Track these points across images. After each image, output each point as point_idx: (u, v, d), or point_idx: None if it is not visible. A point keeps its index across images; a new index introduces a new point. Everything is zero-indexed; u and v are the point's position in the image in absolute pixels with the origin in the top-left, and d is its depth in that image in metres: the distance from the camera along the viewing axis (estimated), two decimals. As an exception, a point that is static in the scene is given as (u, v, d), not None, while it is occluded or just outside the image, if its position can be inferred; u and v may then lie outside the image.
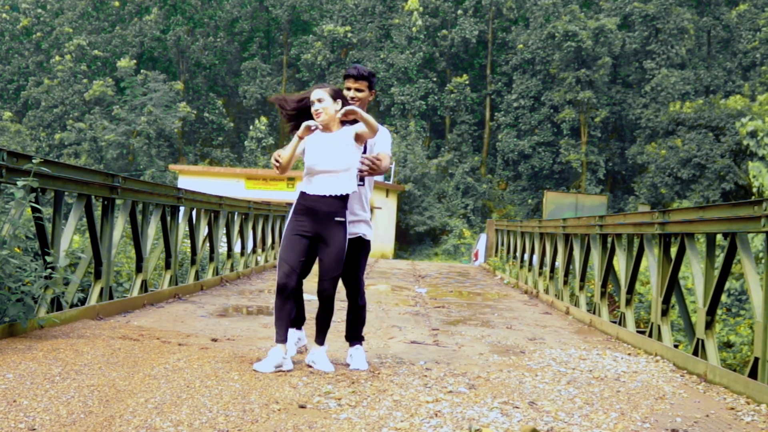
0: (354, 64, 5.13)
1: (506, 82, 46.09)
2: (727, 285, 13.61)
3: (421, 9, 45.88)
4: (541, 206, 36.94)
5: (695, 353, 5.59)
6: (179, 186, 16.92)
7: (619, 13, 44.59)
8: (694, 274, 5.93)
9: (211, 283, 10.07)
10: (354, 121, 4.65)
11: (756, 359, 4.68)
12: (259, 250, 13.97)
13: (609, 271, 8.17)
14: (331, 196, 4.57)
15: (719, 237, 5.76)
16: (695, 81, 42.69)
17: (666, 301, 6.42)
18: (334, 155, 4.60)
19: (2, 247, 4.99)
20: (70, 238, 6.30)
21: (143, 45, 49.67)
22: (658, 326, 6.43)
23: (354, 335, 5.03)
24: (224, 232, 11.53)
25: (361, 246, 4.96)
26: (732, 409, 4.32)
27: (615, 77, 44.75)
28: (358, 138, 4.65)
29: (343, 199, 4.63)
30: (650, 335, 6.53)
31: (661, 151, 38.63)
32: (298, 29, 50.63)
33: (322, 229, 4.60)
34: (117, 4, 50.89)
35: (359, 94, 4.87)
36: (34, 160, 5.21)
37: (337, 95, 4.65)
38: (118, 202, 7.12)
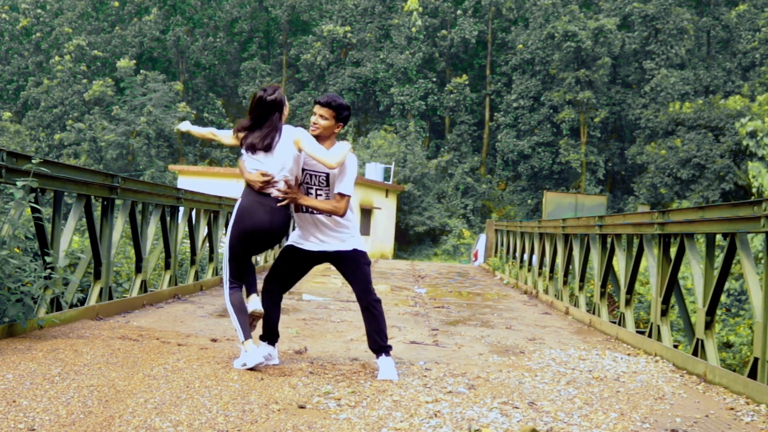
0: (328, 93, 5.03)
1: (506, 83, 46.07)
2: (726, 285, 13.62)
3: (420, 9, 45.86)
4: (540, 206, 36.93)
5: (695, 353, 5.59)
6: (179, 186, 16.91)
7: (619, 14, 44.58)
8: (694, 275, 5.93)
9: (210, 284, 10.06)
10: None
11: (755, 359, 4.68)
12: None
13: (608, 271, 8.17)
14: None
15: (719, 237, 5.76)
16: (695, 81, 42.69)
17: (666, 301, 6.42)
18: None
19: (2, 247, 4.99)
20: (70, 238, 6.30)
21: (143, 45, 49.67)
22: (658, 326, 6.43)
23: (376, 343, 4.76)
24: (224, 232, 11.52)
25: (354, 256, 4.83)
26: (731, 409, 4.32)
27: (614, 77, 44.74)
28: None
29: None
30: (650, 335, 6.53)
31: (660, 151, 38.63)
32: (298, 29, 50.63)
33: None
34: (117, 4, 50.89)
35: (321, 121, 4.72)
36: (33, 161, 5.21)
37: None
38: (117, 202, 7.12)
